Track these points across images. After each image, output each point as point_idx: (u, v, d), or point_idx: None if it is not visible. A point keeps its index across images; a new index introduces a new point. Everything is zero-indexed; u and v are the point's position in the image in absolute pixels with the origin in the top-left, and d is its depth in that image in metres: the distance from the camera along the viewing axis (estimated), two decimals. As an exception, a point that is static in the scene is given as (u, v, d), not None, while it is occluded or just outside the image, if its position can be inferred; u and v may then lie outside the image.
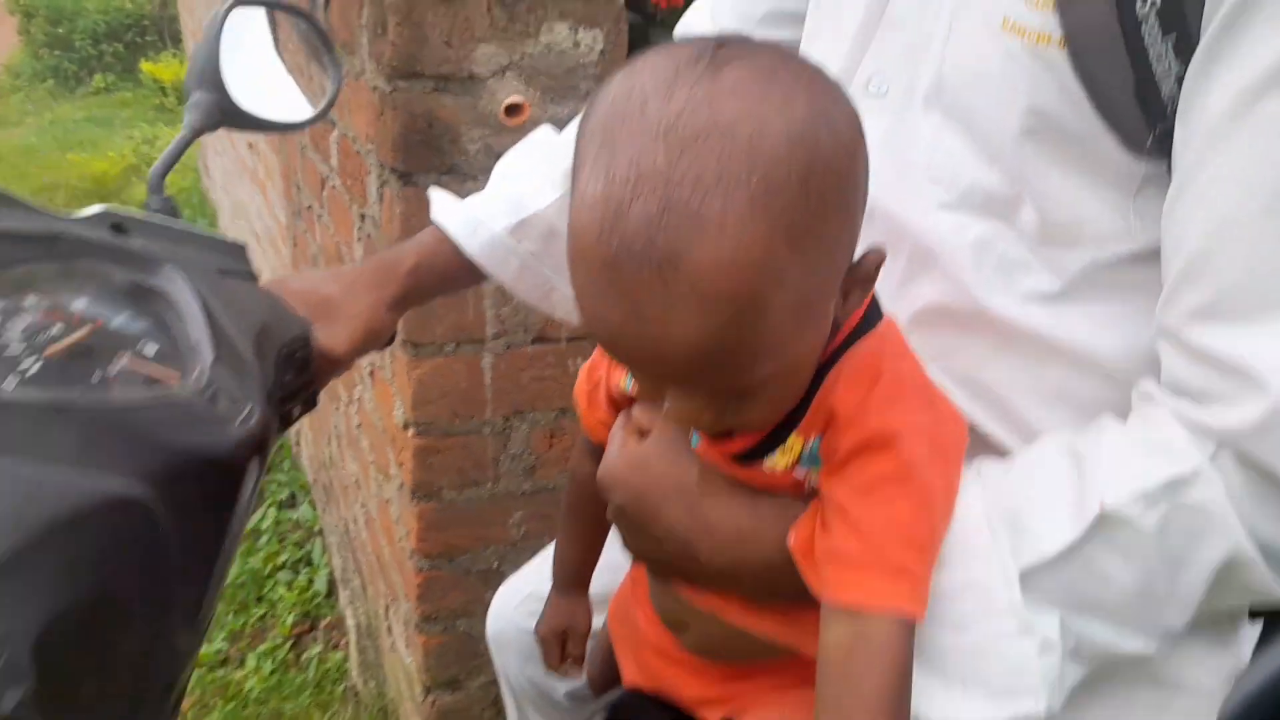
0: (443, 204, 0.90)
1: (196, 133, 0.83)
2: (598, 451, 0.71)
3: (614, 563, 0.80)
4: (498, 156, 0.97)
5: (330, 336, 0.79)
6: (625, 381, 0.69)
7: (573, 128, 0.82)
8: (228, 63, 0.81)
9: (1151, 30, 0.52)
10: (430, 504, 1.45)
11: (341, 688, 2.02)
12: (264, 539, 2.39)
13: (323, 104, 0.91)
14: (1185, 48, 0.52)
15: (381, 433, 1.63)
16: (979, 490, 0.57)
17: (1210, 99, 0.51)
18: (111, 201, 0.72)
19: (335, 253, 1.82)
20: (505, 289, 0.92)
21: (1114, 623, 0.54)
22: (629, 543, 0.69)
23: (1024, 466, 0.59)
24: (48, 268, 0.60)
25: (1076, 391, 0.61)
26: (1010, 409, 0.63)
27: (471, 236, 0.87)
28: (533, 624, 0.88)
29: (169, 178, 0.78)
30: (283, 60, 0.93)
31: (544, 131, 0.96)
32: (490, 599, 1.05)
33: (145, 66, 7.22)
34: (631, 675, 0.77)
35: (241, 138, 3.00)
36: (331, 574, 2.27)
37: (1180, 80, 0.53)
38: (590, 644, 0.87)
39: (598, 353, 0.74)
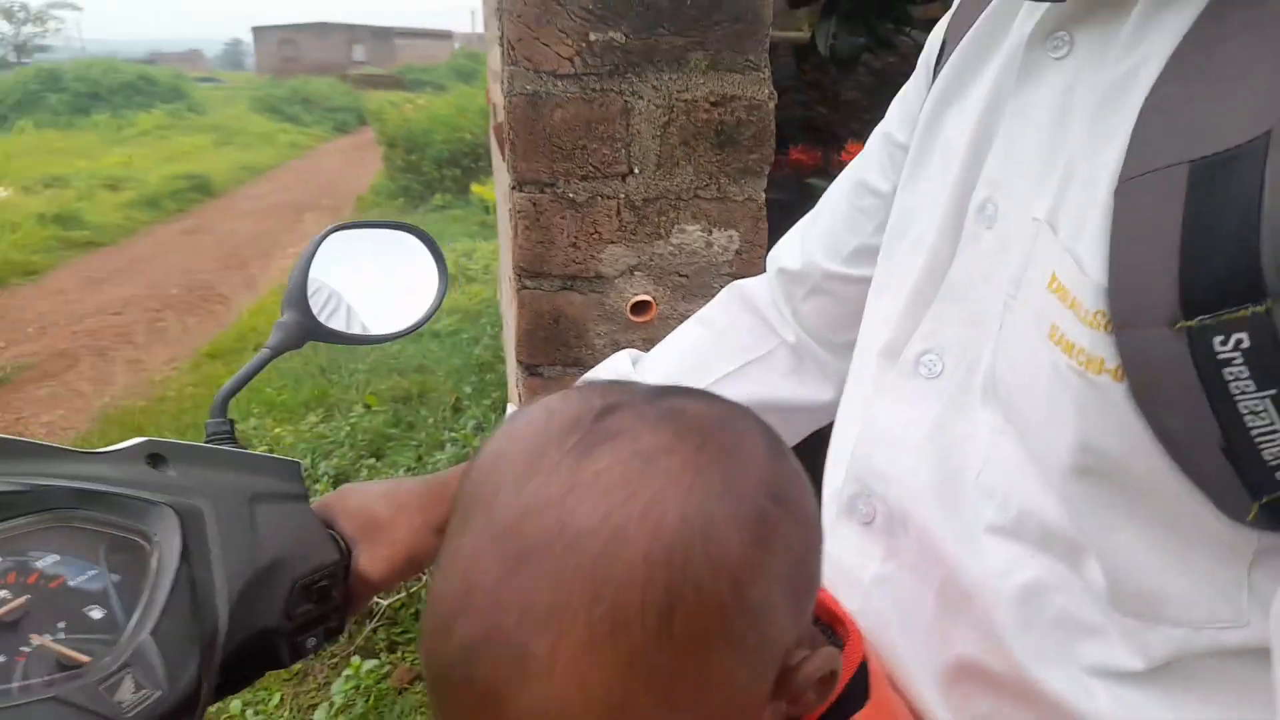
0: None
1: (276, 353, 0.87)
2: None
3: None
4: None
5: (370, 561, 0.77)
6: None
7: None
8: (323, 278, 0.85)
9: (1240, 377, 0.37)
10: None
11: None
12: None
13: (423, 313, 0.95)
14: None
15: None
16: None
17: None
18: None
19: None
20: None
21: None
22: None
23: None
24: (36, 520, 0.65)
25: None
26: None
27: None
28: None
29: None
30: (394, 271, 0.99)
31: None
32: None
33: (475, 188, 8.19)
34: None
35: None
36: None
37: None
38: None
39: None
